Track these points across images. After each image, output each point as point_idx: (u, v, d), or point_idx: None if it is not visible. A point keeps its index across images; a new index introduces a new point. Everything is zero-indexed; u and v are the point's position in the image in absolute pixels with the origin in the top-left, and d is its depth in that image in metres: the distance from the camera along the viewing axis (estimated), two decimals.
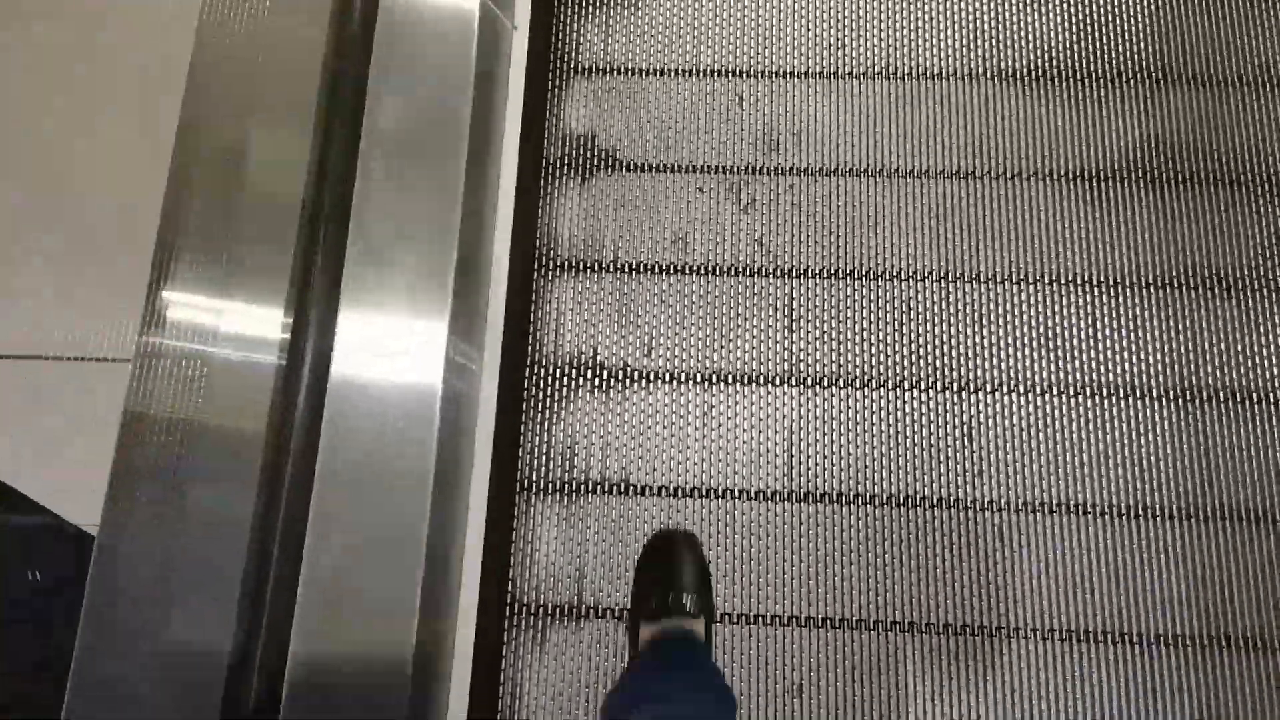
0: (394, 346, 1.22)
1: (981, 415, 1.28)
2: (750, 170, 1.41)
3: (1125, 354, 1.30)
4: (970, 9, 1.48)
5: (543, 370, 1.32)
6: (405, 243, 1.29)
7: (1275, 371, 1.28)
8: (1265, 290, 1.31)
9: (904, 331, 1.32)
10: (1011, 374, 1.29)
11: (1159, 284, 1.33)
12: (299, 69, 1.35)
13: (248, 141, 1.31)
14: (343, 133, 1.35)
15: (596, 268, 1.37)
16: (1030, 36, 1.46)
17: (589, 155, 1.43)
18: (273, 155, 1.31)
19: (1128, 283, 1.33)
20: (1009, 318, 1.32)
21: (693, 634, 1.11)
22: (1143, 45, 1.44)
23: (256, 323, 1.23)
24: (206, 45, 1.33)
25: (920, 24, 1.48)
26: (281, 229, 1.28)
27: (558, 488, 1.26)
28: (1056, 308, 1.32)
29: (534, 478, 1.27)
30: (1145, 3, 1.46)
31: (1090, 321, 1.31)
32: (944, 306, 1.33)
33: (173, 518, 1.13)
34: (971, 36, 1.46)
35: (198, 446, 1.16)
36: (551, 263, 1.37)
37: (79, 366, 1.23)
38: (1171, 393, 1.28)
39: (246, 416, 1.19)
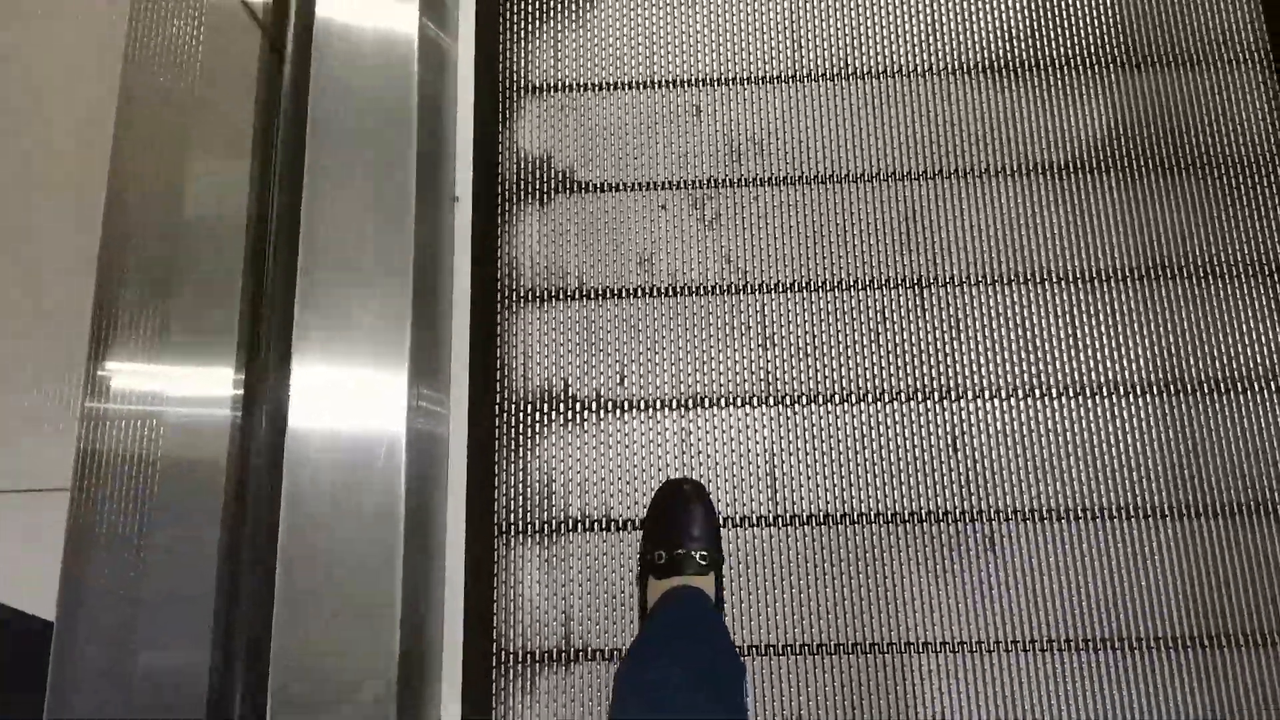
0: (353, 393, 1.17)
1: (965, 423, 1.25)
2: (713, 183, 1.37)
3: (1107, 350, 1.28)
4: (924, 1, 1.44)
5: (513, 407, 1.28)
6: (358, 286, 1.24)
7: (1259, 359, 1.26)
8: (1244, 276, 1.29)
9: (880, 342, 1.29)
10: (993, 379, 1.27)
11: (1136, 276, 1.30)
12: (234, 111, 1.29)
13: (184, 187, 1.25)
14: (284, 174, 1.30)
15: (561, 295, 1.32)
16: (987, 26, 1.43)
17: (546, 178, 1.38)
18: (211, 202, 1.26)
19: (1104, 276, 1.30)
20: (986, 320, 1.30)
21: (700, 594, 1.09)
22: (1101, 27, 1.41)
23: (205, 381, 1.18)
24: (131, 87, 1.26)
25: (875, 21, 1.44)
26: (225, 278, 1.23)
27: (537, 528, 1.22)
28: (1034, 307, 1.30)
29: (512, 520, 1.23)
30: None
31: (1069, 319, 1.29)
32: (919, 313, 1.30)
33: (131, 588, 1.08)
34: (928, 30, 1.43)
35: (151, 513, 1.11)
36: (515, 294, 1.32)
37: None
38: (1156, 387, 1.26)
39: (201, 477, 1.15)
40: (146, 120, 1.24)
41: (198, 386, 1.18)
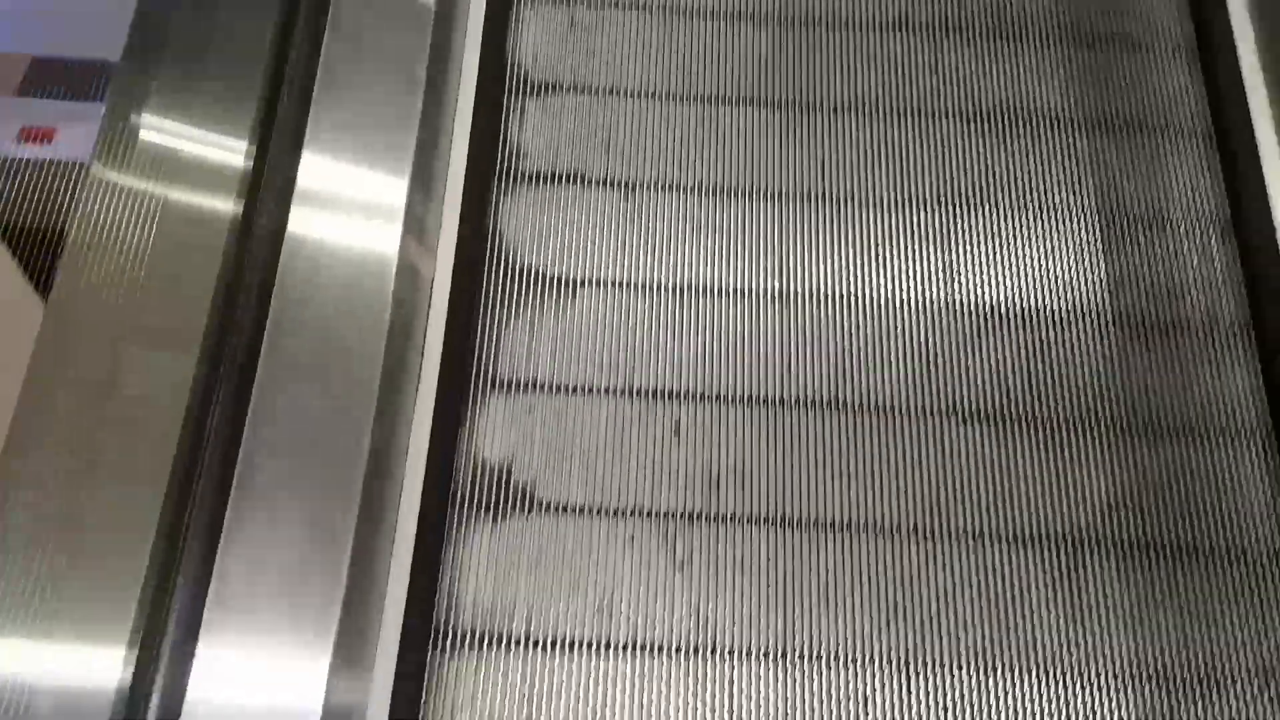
0: None
1: None
2: (688, 516, 1.25)
3: None
4: (921, 338, 1.38)
5: None
6: (272, 599, 1.08)
7: None
8: (1251, 690, 1.19)
9: None
10: None
11: (1139, 679, 1.19)
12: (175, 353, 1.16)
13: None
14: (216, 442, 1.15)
15: (504, 643, 1.16)
16: (986, 371, 1.36)
17: (503, 492, 1.24)
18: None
19: (1100, 681, 1.19)
20: (975, 713, 1.16)
21: None
22: (1107, 389, 1.35)
23: (86, 668, 1.00)
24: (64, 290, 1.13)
25: (868, 352, 1.36)
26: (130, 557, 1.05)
27: None
28: (1026, 706, 1.17)
29: None
30: (1104, 344, 1.39)
31: None
32: (903, 700, 1.16)
33: None
34: (922, 367, 1.36)
35: None
36: (450, 639, 1.15)
37: None
38: None
39: None
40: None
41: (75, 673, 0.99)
